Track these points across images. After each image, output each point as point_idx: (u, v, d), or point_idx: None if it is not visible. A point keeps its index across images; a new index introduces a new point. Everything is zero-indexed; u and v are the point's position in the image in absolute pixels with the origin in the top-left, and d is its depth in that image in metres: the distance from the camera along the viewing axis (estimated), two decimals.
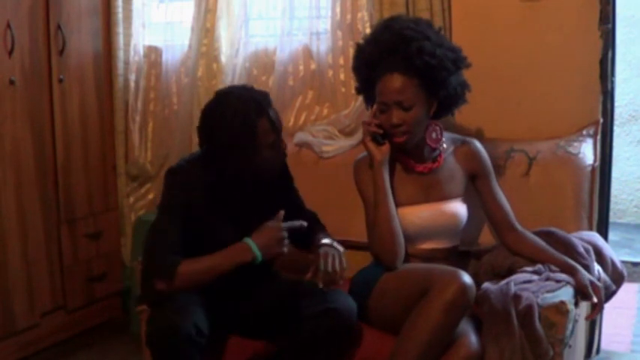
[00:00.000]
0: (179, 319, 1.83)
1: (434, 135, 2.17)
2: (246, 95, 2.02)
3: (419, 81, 2.07)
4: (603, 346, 2.75)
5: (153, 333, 1.86)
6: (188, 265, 1.92)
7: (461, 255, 2.27)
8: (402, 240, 2.10)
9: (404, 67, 2.06)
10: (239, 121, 1.96)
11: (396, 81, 2.06)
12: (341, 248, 2.05)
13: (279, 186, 2.15)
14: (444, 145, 2.20)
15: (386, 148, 2.12)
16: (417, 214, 2.15)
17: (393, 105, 2.07)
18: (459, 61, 2.13)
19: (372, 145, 2.12)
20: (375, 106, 2.14)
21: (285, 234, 1.99)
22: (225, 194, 2.05)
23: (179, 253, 1.95)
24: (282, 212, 2.02)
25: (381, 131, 2.11)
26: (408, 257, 2.17)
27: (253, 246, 1.95)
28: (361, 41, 2.24)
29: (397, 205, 2.15)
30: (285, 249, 2.01)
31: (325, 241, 2.06)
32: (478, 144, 2.23)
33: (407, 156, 2.19)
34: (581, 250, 2.07)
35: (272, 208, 2.08)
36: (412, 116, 2.08)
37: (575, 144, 2.37)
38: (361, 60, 2.20)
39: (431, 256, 2.16)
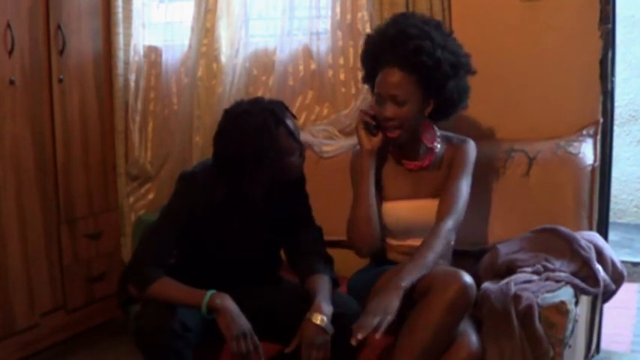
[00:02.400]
0: (163, 317, 1.86)
1: (429, 135, 2.20)
2: (260, 107, 1.99)
3: (417, 78, 2.09)
4: (603, 346, 2.75)
5: (138, 332, 1.89)
6: (163, 285, 1.93)
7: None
8: (376, 230, 2.14)
9: (403, 63, 2.08)
10: (260, 135, 1.94)
11: (393, 75, 2.09)
12: (330, 329, 1.89)
13: (289, 195, 2.14)
14: (438, 145, 2.21)
15: (378, 139, 2.15)
16: (405, 209, 2.18)
17: (388, 98, 2.10)
18: (459, 66, 2.13)
19: (362, 133, 2.16)
20: (374, 96, 2.18)
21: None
22: (233, 207, 2.05)
23: (166, 262, 1.98)
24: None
25: (373, 122, 2.15)
26: (387, 253, 2.21)
27: (206, 299, 1.89)
28: (371, 32, 2.28)
29: (386, 198, 2.20)
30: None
31: (316, 319, 1.89)
32: (470, 145, 2.22)
33: (400, 151, 2.21)
34: (584, 243, 2.08)
35: (278, 220, 2.10)
36: (405, 112, 2.10)
37: (575, 144, 2.37)
38: (366, 50, 2.25)
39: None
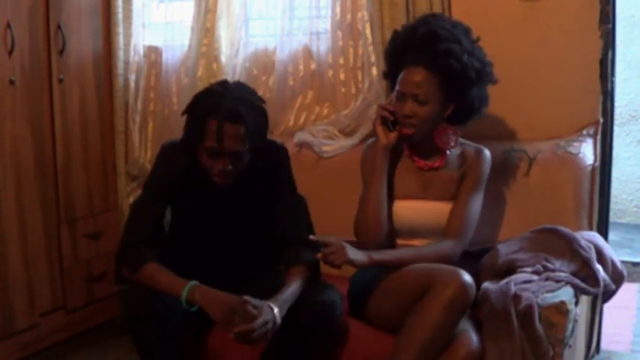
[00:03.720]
0: (146, 302, 1.87)
1: (445, 139, 2.20)
2: (232, 93, 1.98)
3: (440, 80, 2.10)
4: (603, 346, 2.75)
5: (124, 319, 1.91)
6: (149, 271, 1.95)
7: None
8: (384, 224, 2.14)
9: (429, 64, 2.09)
10: (203, 103, 1.98)
11: (417, 74, 2.11)
12: (278, 324, 1.84)
13: (268, 177, 2.13)
14: (452, 149, 2.22)
15: (394, 135, 2.17)
16: (412, 209, 2.18)
17: (409, 96, 2.11)
18: (483, 74, 2.15)
19: (380, 129, 2.18)
20: (394, 93, 2.18)
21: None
22: (200, 181, 2.06)
23: (156, 234, 2.01)
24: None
25: (391, 118, 2.16)
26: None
27: (185, 293, 1.88)
28: (399, 29, 2.29)
29: (395, 196, 2.20)
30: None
31: (275, 309, 1.85)
32: (486, 157, 2.22)
33: (412, 150, 2.21)
34: (584, 243, 2.08)
35: (255, 197, 2.11)
36: (424, 111, 2.11)
37: (575, 144, 2.37)
38: (392, 46, 2.26)
39: None
